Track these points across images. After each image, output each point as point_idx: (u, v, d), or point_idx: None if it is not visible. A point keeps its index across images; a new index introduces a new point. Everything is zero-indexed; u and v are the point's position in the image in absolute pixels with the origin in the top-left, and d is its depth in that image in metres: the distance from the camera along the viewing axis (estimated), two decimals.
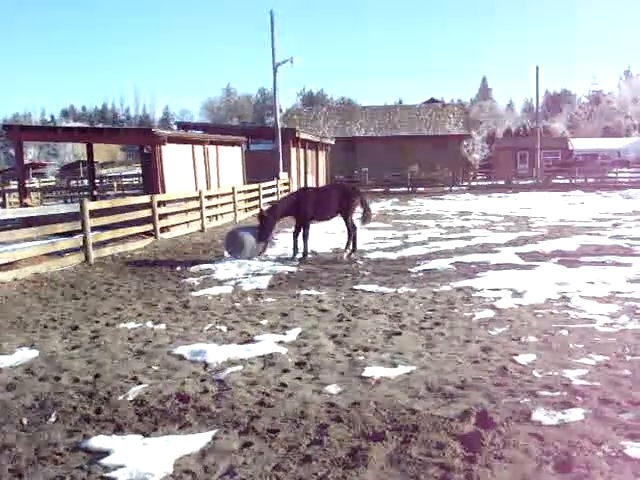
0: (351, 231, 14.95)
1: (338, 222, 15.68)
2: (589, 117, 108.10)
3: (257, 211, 21.88)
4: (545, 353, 6.84)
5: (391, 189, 47.87)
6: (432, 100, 74.99)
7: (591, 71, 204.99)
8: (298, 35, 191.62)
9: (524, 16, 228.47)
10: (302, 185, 37.83)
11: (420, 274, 12.13)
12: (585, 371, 6.18)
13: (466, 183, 52.61)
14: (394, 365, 6.58)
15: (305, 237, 14.84)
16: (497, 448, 4.58)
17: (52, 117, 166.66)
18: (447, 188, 48.65)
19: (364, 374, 6.31)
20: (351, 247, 15.00)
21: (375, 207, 32.26)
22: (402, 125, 59.53)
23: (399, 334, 7.83)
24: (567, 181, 50.27)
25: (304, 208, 14.87)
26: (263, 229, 14.65)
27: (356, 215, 15.45)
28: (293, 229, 15.25)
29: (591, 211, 26.12)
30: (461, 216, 25.49)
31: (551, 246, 15.35)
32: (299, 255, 14.66)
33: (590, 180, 49.38)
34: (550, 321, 8.24)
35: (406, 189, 47.78)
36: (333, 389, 5.92)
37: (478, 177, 63.08)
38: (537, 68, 54.46)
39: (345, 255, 14.64)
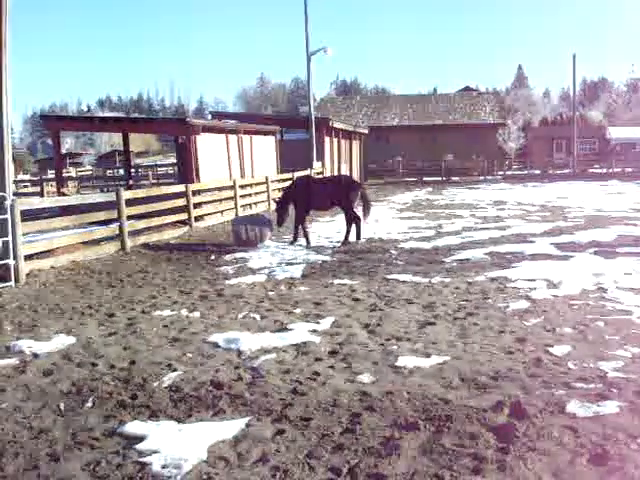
0: (351, 222, 15.24)
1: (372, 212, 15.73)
2: (627, 105, 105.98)
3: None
4: (580, 345, 6.77)
5: (425, 178, 47.56)
6: (467, 88, 74.55)
7: (629, 59, 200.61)
8: (331, 24, 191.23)
9: (560, 5, 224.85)
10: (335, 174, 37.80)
11: (454, 264, 12.06)
12: (621, 363, 6.10)
13: (501, 172, 52.11)
14: (427, 355, 6.56)
15: (296, 223, 15.73)
16: (531, 440, 4.55)
17: (88, 107, 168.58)
18: (482, 177, 48.25)
19: (397, 364, 6.30)
20: (355, 238, 15.33)
21: (409, 196, 32.22)
22: (436, 114, 59.08)
23: (432, 324, 7.80)
24: (604, 170, 49.46)
25: (297, 196, 15.78)
26: (278, 216, 16.07)
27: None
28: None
29: (629, 201, 25.69)
30: (496, 206, 25.27)
31: (587, 236, 15.14)
32: (304, 243, 15.41)
33: (628, 169, 48.53)
34: (586, 312, 8.14)
35: (440, 178, 47.46)
36: (366, 378, 5.93)
37: (513, 166, 62.44)
38: (574, 56, 53.54)
39: (342, 244, 15.00)
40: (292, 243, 15.33)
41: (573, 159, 53.33)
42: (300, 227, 15.70)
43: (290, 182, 19.97)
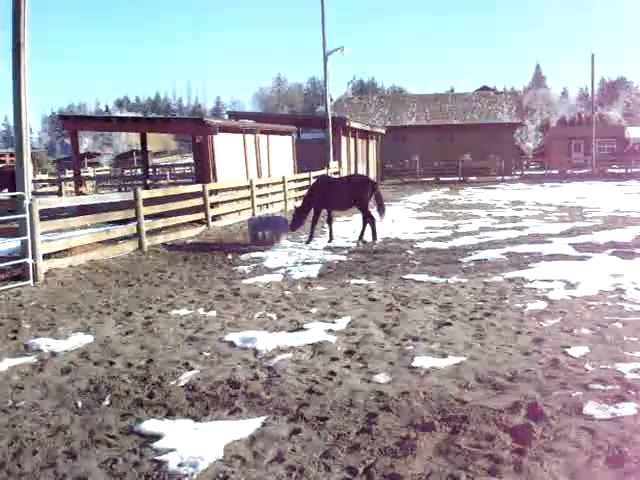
0: (366, 221, 15.31)
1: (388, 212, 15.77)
2: None
3: None
4: (598, 346, 6.72)
5: (442, 178, 47.45)
6: (484, 88, 74.13)
7: None
8: (348, 23, 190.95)
9: (578, 3, 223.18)
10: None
11: (471, 264, 12.02)
12: (639, 365, 6.06)
13: (519, 172, 51.91)
14: (444, 355, 6.55)
15: (313, 223, 15.85)
16: (547, 441, 4.53)
17: (106, 107, 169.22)
18: (499, 177, 48.05)
19: (413, 364, 6.29)
20: (371, 237, 15.35)
21: (426, 196, 32.14)
22: (454, 113, 58.81)
23: (449, 324, 7.78)
24: (623, 171, 49.05)
25: (315, 196, 16.02)
26: (295, 219, 16.18)
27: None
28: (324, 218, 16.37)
29: None
30: (513, 206, 25.15)
31: (605, 237, 15.02)
32: (324, 242, 15.62)
33: None
34: (604, 313, 8.08)
35: (457, 178, 47.32)
36: (382, 378, 5.93)
37: (531, 166, 62.13)
38: (592, 55, 53.29)
39: (357, 243, 15.11)
40: (308, 243, 15.35)
41: (591, 159, 52.97)
42: (317, 226, 15.92)
43: (310, 185, 20.19)
